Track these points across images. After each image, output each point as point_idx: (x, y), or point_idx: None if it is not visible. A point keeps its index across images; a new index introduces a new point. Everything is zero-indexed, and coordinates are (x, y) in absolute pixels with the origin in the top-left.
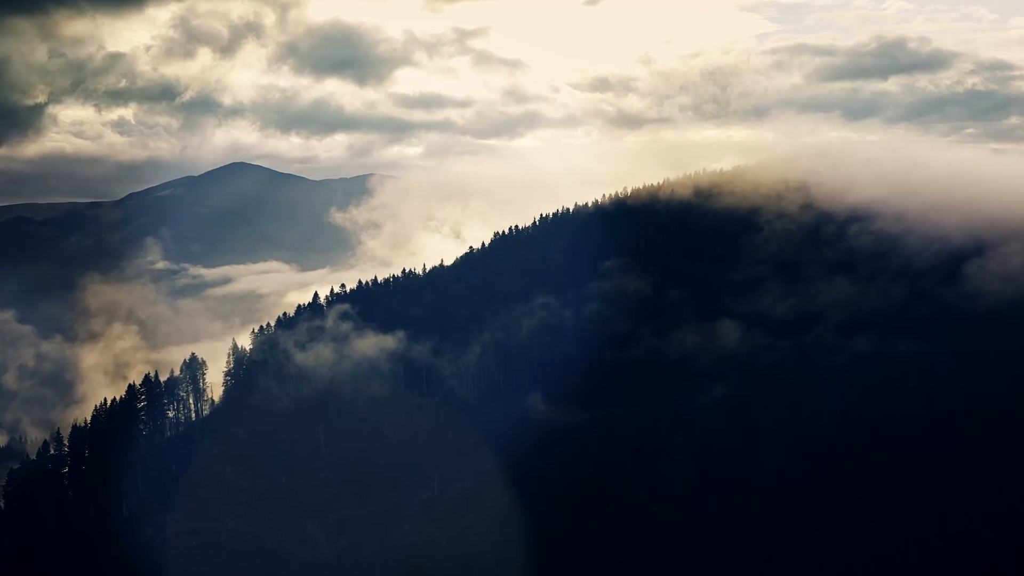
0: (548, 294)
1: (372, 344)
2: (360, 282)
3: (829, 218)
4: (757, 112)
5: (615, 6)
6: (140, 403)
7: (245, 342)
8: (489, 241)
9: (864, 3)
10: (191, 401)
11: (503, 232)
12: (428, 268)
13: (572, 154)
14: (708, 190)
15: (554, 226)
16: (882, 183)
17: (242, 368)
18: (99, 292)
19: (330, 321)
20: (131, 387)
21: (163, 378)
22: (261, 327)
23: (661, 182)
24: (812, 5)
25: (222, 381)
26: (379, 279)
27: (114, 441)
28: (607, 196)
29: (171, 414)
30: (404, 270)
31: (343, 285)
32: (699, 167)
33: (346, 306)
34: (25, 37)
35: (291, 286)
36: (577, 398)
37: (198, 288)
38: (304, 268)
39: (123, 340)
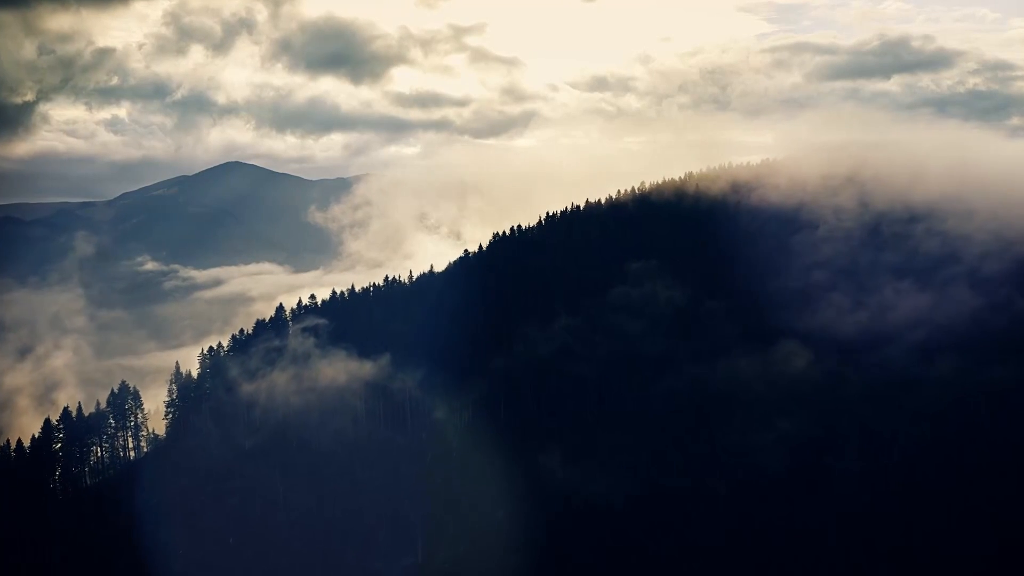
0: (559, 306)
1: (344, 371)
2: (334, 292)
3: (889, 216)
4: (756, 111)
5: (612, 3)
6: (56, 444)
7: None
8: (487, 243)
9: (862, 3)
10: (130, 437)
11: (504, 233)
12: (416, 275)
13: (574, 152)
14: (744, 184)
15: (564, 226)
16: (945, 177)
17: (189, 397)
18: (15, 301)
19: (293, 341)
20: (47, 424)
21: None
22: (211, 348)
23: (683, 176)
24: (809, 6)
25: (164, 412)
26: (356, 288)
27: (21, 497)
28: (623, 192)
29: (98, 456)
30: (387, 278)
31: (312, 296)
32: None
33: (317, 320)
34: (9, 32)
35: (282, 288)
36: (602, 447)
37: (187, 291)
38: (298, 270)
39: (65, 353)
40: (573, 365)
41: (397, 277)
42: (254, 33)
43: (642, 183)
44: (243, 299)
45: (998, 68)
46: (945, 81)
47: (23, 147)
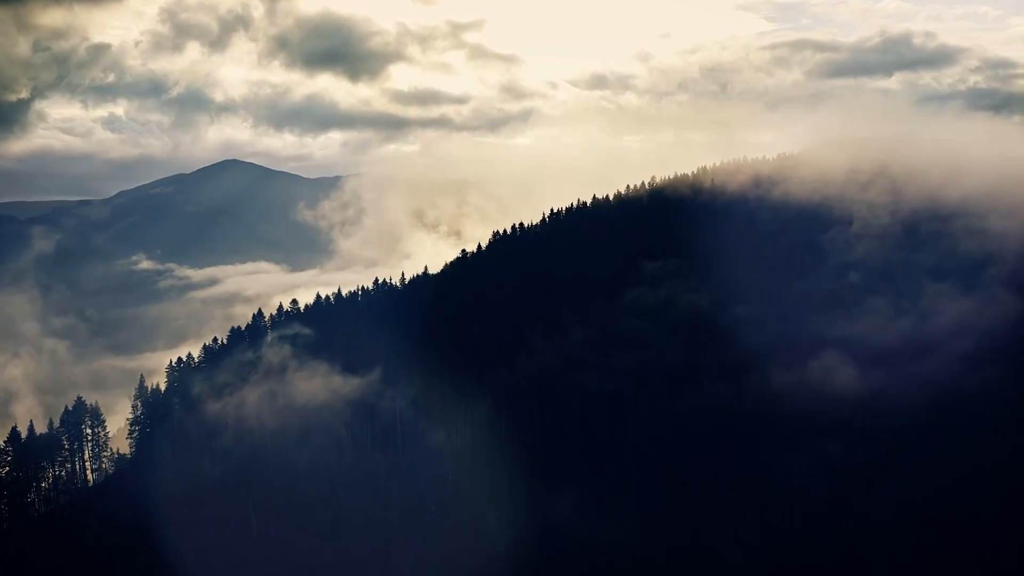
0: (567, 311)
1: (326, 387)
2: (319, 297)
3: (924, 213)
4: (768, 106)
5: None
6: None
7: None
8: (487, 243)
9: (861, 1)
10: (92, 458)
11: (504, 231)
12: (408, 277)
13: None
14: (767, 178)
15: (569, 223)
16: (982, 172)
17: (155, 414)
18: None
19: (270, 353)
20: None
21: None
22: (179, 359)
23: (696, 170)
24: (808, 3)
25: (127, 432)
26: (343, 292)
27: None
28: (632, 187)
29: (49, 481)
30: (377, 280)
31: (294, 301)
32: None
33: (298, 329)
34: (2, 28)
35: (278, 288)
36: (616, 474)
37: (181, 290)
38: (295, 269)
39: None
40: (583, 379)
41: (388, 280)
42: (250, 30)
43: (652, 178)
44: (238, 299)
45: (999, 66)
46: (946, 79)
47: (19, 145)
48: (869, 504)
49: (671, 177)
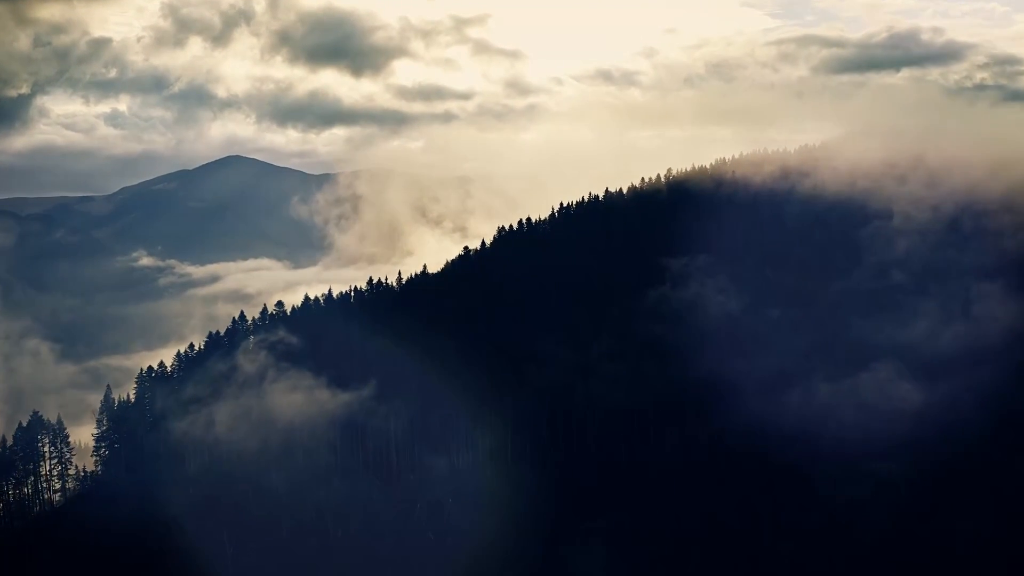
0: (582, 314)
1: (313, 402)
2: (307, 299)
3: (969, 208)
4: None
5: None
6: None
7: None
8: (492, 239)
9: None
10: (49, 480)
11: (511, 227)
12: (406, 277)
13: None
14: (795, 170)
15: (582, 218)
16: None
17: (123, 430)
18: None
19: (248, 363)
20: None
21: None
22: (150, 367)
23: (714, 162)
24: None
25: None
26: (334, 293)
27: None
28: (648, 180)
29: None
30: (371, 280)
31: (279, 304)
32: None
33: (283, 335)
34: (1, 22)
35: (280, 285)
36: (639, 506)
37: (182, 287)
38: (297, 266)
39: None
40: (601, 393)
41: (384, 280)
42: (252, 24)
43: (668, 170)
44: (239, 296)
45: (1006, 63)
46: (953, 75)
47: (21, 141)
48: (937, 539)
49: (688, 169)
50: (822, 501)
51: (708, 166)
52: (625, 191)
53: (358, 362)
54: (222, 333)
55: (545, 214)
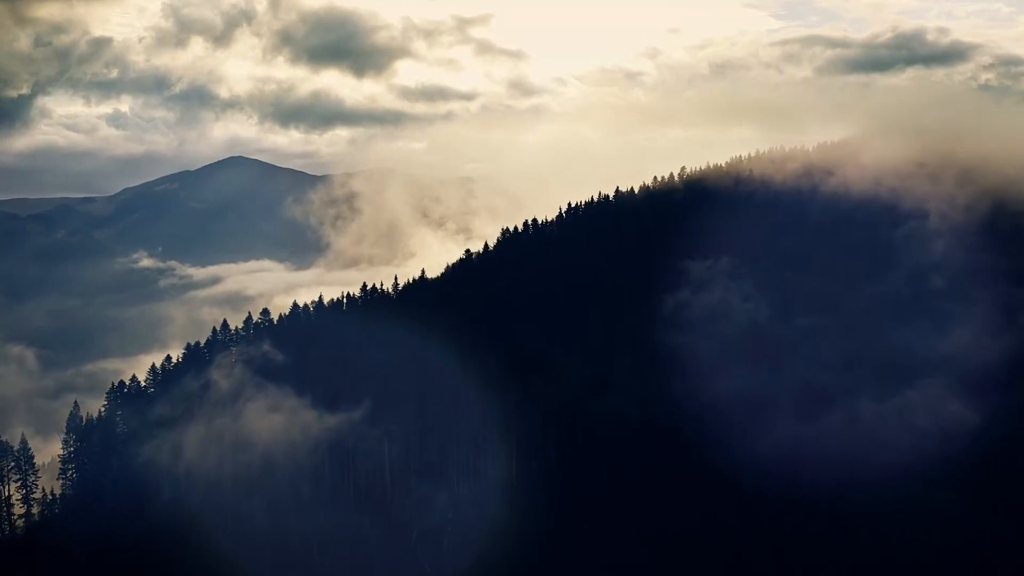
0: (594, 319)
1: (296, 424)
2: (295, 306)
3: (1004, 209)
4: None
5: None
6: None
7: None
8: (495, 241)
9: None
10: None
11: (516, 228)
12: (403, 282)
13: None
14: (819, 168)
15: (590, 219)
16: None
17: (90, 451)
18: None
19: (224, 379)
20: None
21: None
22: (121, 382)
23: (730, 160)
24: (816, 0)
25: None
26: (325, 300)
27: None
28: (661, 179)
29: None
30: (365, 287)
31: (265, 312)
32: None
33: (266, 348)
34: (1, 22)
35: (280, 287)
36: (665, 543)
37: (182, 289)
38: (299, 267)
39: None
40: (614, 408)
41: (379, 285)
42: (253, 24)
43: (683, 168)
44: (239, 298)
45: (1011, 63)
46: (958, 76)
47: (22, 141)
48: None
49: (704, 167)
50: (871, 532)
51: (724, 164)
52: (637, 190)
53: (349, 379)
54: (202, 344)
55: (552, 215)
